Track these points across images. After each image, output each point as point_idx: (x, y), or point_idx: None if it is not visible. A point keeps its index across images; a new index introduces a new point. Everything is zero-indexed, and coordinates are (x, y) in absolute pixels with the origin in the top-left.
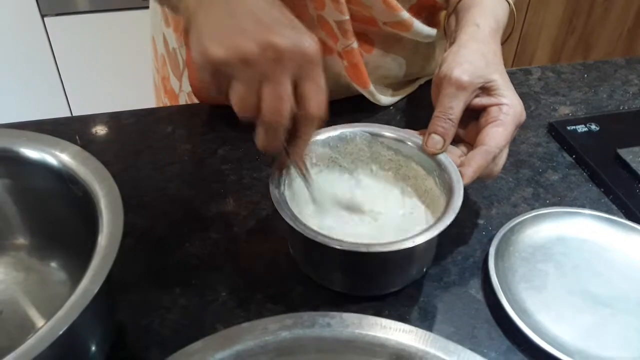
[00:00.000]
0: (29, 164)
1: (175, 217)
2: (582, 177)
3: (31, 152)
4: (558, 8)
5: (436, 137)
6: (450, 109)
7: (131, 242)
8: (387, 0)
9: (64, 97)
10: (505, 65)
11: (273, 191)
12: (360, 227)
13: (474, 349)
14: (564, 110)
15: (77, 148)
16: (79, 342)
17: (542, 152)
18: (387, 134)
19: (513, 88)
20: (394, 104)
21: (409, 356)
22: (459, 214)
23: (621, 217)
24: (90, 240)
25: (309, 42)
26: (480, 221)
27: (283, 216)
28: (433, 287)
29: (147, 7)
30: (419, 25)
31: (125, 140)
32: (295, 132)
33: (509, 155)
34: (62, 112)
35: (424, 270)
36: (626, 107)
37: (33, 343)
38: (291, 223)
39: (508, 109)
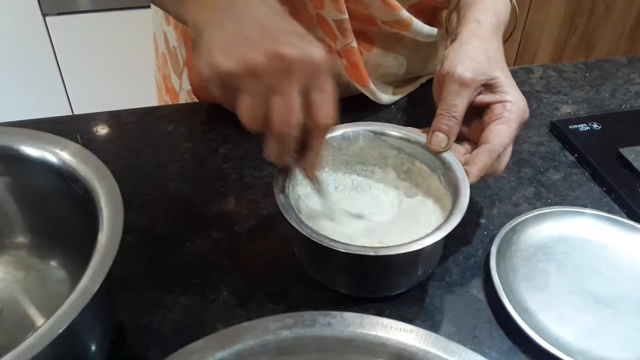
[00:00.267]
0: (29, 162)
1: (176, 216)
2: (584, 177)
3: (31, 150)
4: (560, 6)
5: (440, 135)
6: (453, 106)
7: (132, 240)
8: (386, 0)
9: (65, 95)
10: (508, 63)
11: (278, 195)
12: (363, 226)
13: (476, 348)
14: (566, 109)
15: (77, 146)
16: (79, 340)
17: (544, 151)
18: (390, 132)
19: (516, 85)
20: (396, 103)
21: (410, 356)
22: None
23: (623, 217)
24: (90, 239)
25: (316, 51)
26: (482, 220)
27: (289, 220)
28: (435, 287)
29: (149, 6)
30: (419, 25)
31: (126, 139)
32: (306, 142)
33: (511, 154)
34: (64, 111)
35: (430, 271)
36: (628, 106)
37: (33, 342)
38: (297, 227)
39: (512, 106)
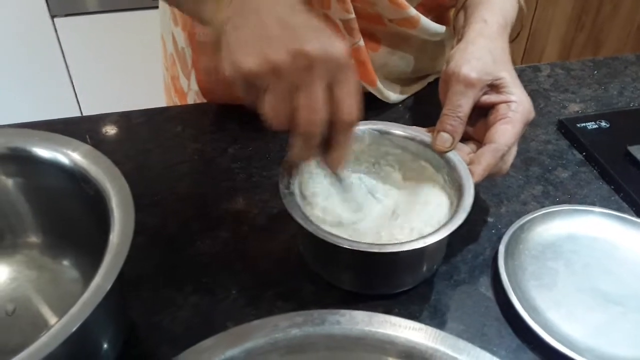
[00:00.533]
0: (41, 163)
1: (186, 216)
2: (592, 175)
3: (43, 152)
4: (567, 5)
5: (445, 135)
6: (459, 106)
7: (142, 240)
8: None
9: (74, 97)
10: (515, 62)
11: (283, 191)
12: (370, 222)
13: (484, 347)
14: (574, 108)
15: (88, 147)
16: (92, 339)
17: (552, 149)
18: (395, 131)
19: (521, 85)
20: (403, 102)
21: (418, 354)
22: (468, 212)
23: (632, 215)
24: (102, 239)
25: (338, 46)
26: (490, 219)
27: (294, 216)
28: (443, 285)
29: (157, 7)
30: (426, 22)
31: (135, 140)
32: (331, 139)
33: (519, 153)
34: (73, 112)
35: (435, 268)
36: (636, 104)
37: (46, 340)
38: (302, 223)
39: (517, 107)
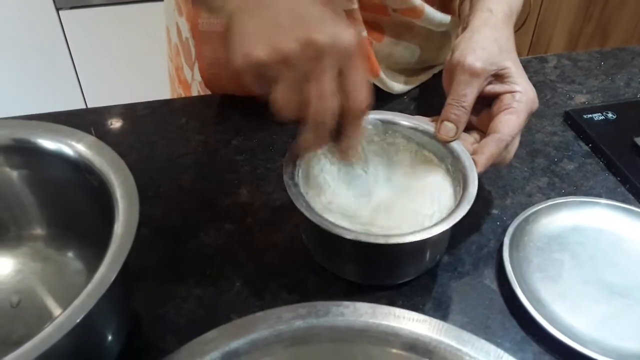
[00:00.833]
0: (45, 155)
1: (190, 208)
2: (598, 166)
3: (48, 143)
4: None
5: (449, 125)
6: (463, 96)
7: (146, 232)
8: None
9: (79, 89)
10: (521, 53)
11: (287, 181)
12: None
13: (488, 339)
14: (580, 99)
15: (92, 138)
16: (96, 330)
17: (558, 141)
18: (399, 121)
19: (525, 75)
20: (408, 93)
21: (422, 345)
22: (473, 203)
23: (638, 207)
24: (106, 230)
25: (347, 35)
26: (495, 211)
27: (298, 206)
28: (447, 277)
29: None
30: (431, 12)
31: (140, 132)
32: (341, 127)
33: (524, 144)
34: (77, 104)
35: (438, 259)
36: None
37: (50, 331)
38: (306, 213)
39: (521, 97)
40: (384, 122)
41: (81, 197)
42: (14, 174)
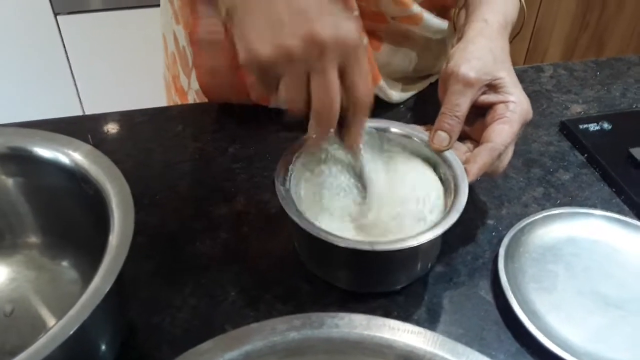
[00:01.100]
0: (41, 163)
1: (186, 216)
2: (593, 177)
3: (44, 151)
4: (571, 4)
5: (442, 134)
6: (457, 106)
7: (142, 240)
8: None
9: (77, 95)
10: (517, 62)
11: (279, 188)
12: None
13: (483, 351)
14: (576, 109)
15: (89, 147)
16: (90, 341)
17: (554, 151)
18: (393, 129)
19: (520, 86)
20: (404, 102)
21: (417, 358)
22: (467, 213)
23: (633, 218)
24: (102, 239)
25: (349, 28)
26: (490, 221)
27: (289, 213)
28: (442, 287)
29: (159, 5)
30: (430, 19)
31: (137, 139)
32: (347, 121)
33: (520, 154)
34: (75, 111)
35: (429, 267)
36: (639, 106)
37: (44, 342)
38: (297, 220)
39: (515, 107)
40: (379, 130)
41: (76, 206)
42: (10, 182)
